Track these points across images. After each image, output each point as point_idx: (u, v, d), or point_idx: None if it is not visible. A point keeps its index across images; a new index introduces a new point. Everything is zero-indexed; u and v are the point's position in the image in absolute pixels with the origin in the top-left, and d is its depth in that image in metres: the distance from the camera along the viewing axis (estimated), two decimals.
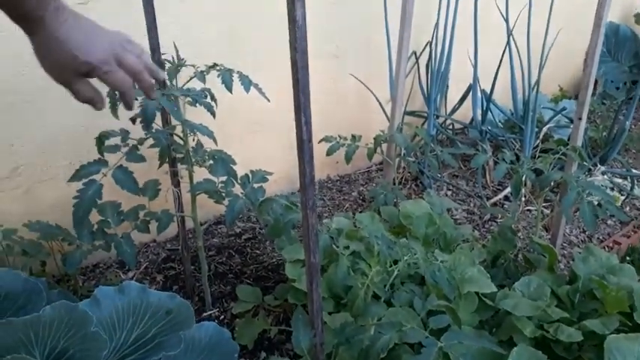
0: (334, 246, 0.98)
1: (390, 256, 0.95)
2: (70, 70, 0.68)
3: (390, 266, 0.95)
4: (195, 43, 1.67)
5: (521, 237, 1.76)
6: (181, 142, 1.26)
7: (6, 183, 1.44)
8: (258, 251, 1.76)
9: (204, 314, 1.43)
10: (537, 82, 1.95)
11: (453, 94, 2.40)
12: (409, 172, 2.19)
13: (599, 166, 2.10)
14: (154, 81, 0.81)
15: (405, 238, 1.37)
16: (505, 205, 2.02)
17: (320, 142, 1.85)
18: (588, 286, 1.17)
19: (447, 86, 2.31)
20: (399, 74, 1.72)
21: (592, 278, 1.16)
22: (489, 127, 2.12)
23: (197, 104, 1.24)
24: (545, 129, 2.14)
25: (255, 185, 1.36)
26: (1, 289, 0.93)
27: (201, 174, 1.27)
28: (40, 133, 1.46)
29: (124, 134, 1.16)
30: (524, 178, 1.45)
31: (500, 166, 1.33)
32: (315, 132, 2.18)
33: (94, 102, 0.73)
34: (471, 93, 2.17)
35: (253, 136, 1.97)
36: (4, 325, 0.80)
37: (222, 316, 1.44)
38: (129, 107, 0.79)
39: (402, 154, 1.93)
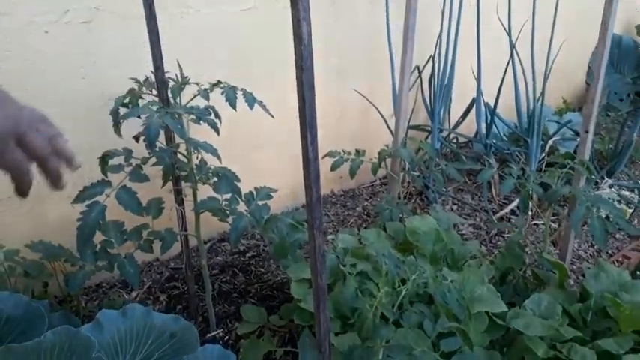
0: (341, 266, 0.96)
1: (398, 275, 0.93)
2: None
3: (399, 286, 0.93)
4: (197, 60, 1.67)
5: (529, 252, 1.74)
6: (185, 160, 1.25)
7: (9, 203, 1.43)
8: (262, 269, 1.74)
9: (209, 335, 1.41)
10: (542, 95, 1.94)
11: (457, 108, 2.39)
12: (414, 187, 2.17)
13: (606, 179, 2.08)
14: (62, 169, 0.69)
15: (412, 255, 1.35)
16: (512, 219, 2.00)
17: (324, 157, 1.83)
18: (601, 304, 1.15)
19: (451, 99, 2.30)
20: (403, 89, 1.71)
21: (604, 295, 1.13)
22: (494, 141, 2.10)
23: (201, 122, 1.24)
24: (550, 142, 2.13)
25: (260, 202, 1.34)
26: (3, 313, 0.92)
27: (205, 191, 1.26)
28: None
29: (127, 154, 1.15)
30: (531, 193, 1.43)
31: (507, 181, 1.31)
32: (319, 147, 2.17)
33: None
34: (474, 106, 2.16)
35: (256, 152, 1.96)
36: (4, 351, 0.78)
37: (227, 337, 1.41)
38: (22, 195, 0.67)
39: (407, 169, 1.91)
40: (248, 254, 1.83)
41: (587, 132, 1.34)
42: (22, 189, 0.65)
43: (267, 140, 1.98)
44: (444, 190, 2.17)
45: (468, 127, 2.46)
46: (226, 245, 1.88)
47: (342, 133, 2.20)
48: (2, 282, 1.30)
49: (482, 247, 1.82)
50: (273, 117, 1.30)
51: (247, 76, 1.82)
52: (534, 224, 1.98)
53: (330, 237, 1.93)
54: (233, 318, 1.48)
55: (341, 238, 1.38)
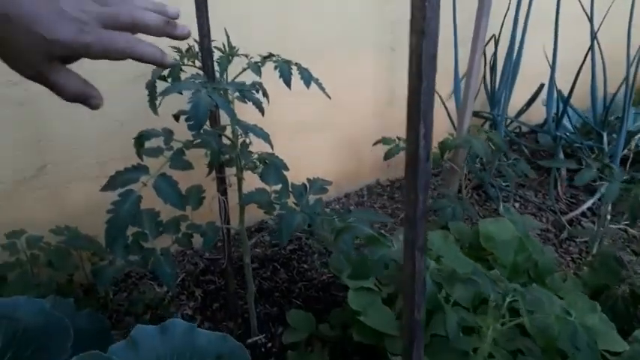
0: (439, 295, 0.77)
1: (503, 301, 0.75)
2: (40, 57, 0.47)
3: (509, 319, 0.75)
4: (240, 30, 1.49)
5: None
6: (229, 144, 1.08)
7: (32, 182, 1.28)
8: (305, 265, 1.57)
9: (250, 340, 1.25)
10: (633, 82, 1.70)
11: (519, 94, 2.16)
12: (469, 180, 1.97)
13: None
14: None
15: (487, 263, 1.17)
16: (582, 222, 1.79)
17: (376, 144, 1.66)
18: None
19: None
20: (473, 69, 1.50)
21: None
22: (567, 133, 1.88)
23: (247, 100, 1.07)
24: (637, 138, 1.88)
25: (313, 196, 1.18)
26: (20, 323, 0.77)
27: (248, 179, 1.10)
28: (69, 128, 1.30)
29: (167, 135, 0.99)
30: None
31: (612, 187, 1.10)
32: (368, 132, 1.94)
33: (86, 96, 0.52)
34: (546, 94, 1.92)
35: (295, 138, 1.78)
36: None
37: (270, 344, 1.26)
38: (164, 65, 0.55)
39: (467, 161, 1.71)
40: (289, 247, 1.67)
41: None
42: (162, 62, 0.54)
43: (306, 125, 1.80)
44: (504, 184, 1.96)
45: (530, 116, 2.23)
46: (265, 236, 1.72)
47: (393, 117, 2.00)
48: (24, 273, 1.17)
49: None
50: (330, 98, 1.12)
51: (291, 52, 1.64)
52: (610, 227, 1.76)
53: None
54: (276, 321, 1.33)
55: (401, 239, 1.20)
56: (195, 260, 1.60)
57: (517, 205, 1.88)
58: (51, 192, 1.32)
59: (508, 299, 0.84)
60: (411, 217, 0.57)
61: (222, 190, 1.17)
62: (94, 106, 0.53)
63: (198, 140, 0.98)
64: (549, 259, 1.17)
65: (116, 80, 1.31)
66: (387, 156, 1.59)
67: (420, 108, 0.50)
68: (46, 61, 0.48)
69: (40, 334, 0.76)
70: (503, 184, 1.94)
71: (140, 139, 1.00)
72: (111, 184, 0.89)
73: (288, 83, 1.07)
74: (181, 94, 0.97)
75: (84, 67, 0.57)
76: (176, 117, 1.08)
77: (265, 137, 1.05)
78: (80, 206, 1.36)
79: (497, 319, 0.75)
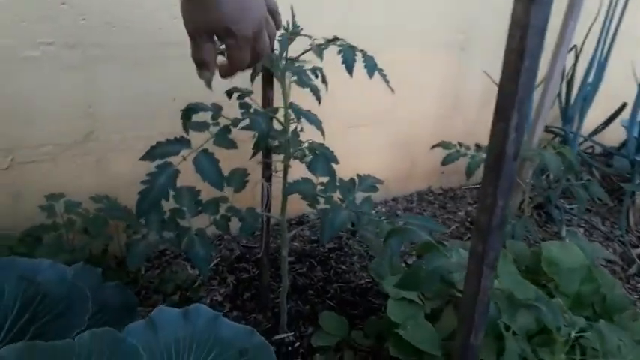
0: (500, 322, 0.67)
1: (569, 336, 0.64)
2: (208, 29, 0.63)
3: (577, 356, 0.64)
4: (303, 13, 1.42)
5: None
6: (280, 129, 1.01)
7: (78, 148, 1.26)
8: (343, 266, 1.49)
9: (277, 336, 1.19)
10: None
11: (593, 111, 1.99)
12: (530, 198, 1.82)
13: None
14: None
15: (546, 290, 1.05)
16: None
17: (434, 147, 1.55)
18: None
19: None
20: (552, 78, 1.36)
21: None
22: None
23: (305, 86, 1.00)
24: None
25: (362, 194, 1.09)
26: (40, 287, 0.73)
27: (293, 169, 1.03)
28: (122, 96, 1.27)
29: (216, 110, 0.93)
30: None
31: None
32: (426, 136, 1.80)
33: (207, 67, 0.67)
34: (629, 115, 1.75)
35: (347, 130, 1.70)
36: (28, 348, 0.58)
37: (298, 343, 1.18)
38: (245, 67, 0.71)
39: (532, 177, 1.58)
40: (329, 245, 1.59)
41: None
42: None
43: (361, 120, 1.71)
44: (568, 207, 1.80)
45: (604, 136, 2.05)
46: (305, 230, 1.65)
47: (455, 121, 1.89)
48: (59, 237, 1.14)
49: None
50: (393, 91, 1.03)
51: (354, 41, 1.56)
52: None
53: None
54: (307, 320, 1.25)
55: (455, 252, 1.09)
56: (232, 246, 1.54)
57: (581, 230, 1.72)
58: (96, 160, 1.30)
59: (573, 333, 0.73)
60: (484, 227, 0.48)
61: (268, 177, 1.10)
62: (201, 76, 0.68)
63: (247, 120, 0.92)
64: (619, 295, 1.04)
65: (171, 55, 1.27)
66: (445, 162, 1.48)
67: (517, 93, 0.41)
68: (207, 33, 0.64)
69: (60, 302, 0.71)
70: (567, 206, 1.78)
71: (188, 112, 0.94)
72: (150, 155, 0.84)
73: (350, 70, 0.98)
74: None
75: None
76: (229, 93, 1.02)
77: (318, 124, 0.98)
78: (123, 177, 1.33)
79: (566, 356, 0.65)
